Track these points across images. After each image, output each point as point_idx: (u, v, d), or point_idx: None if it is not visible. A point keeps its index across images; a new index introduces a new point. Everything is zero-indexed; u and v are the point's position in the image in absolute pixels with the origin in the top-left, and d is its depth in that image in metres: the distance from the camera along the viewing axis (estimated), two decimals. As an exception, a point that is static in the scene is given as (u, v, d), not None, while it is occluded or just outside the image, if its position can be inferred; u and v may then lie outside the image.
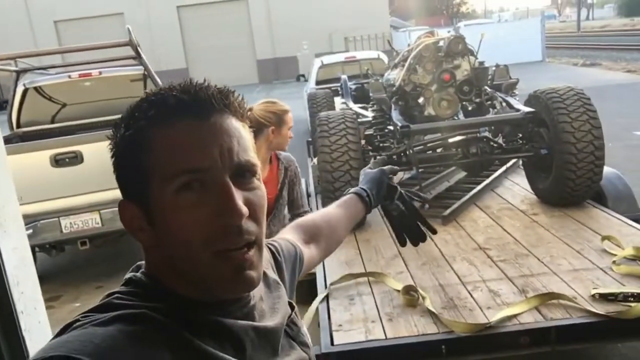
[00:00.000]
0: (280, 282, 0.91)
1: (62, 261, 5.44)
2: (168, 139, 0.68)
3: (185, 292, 0.70)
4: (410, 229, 1.27)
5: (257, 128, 2.48)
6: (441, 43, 4.06)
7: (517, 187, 4.31)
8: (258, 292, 0.80)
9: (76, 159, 4.50)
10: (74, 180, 4.51)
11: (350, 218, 1.23)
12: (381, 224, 3.67)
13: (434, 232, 1.29)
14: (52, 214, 4.49)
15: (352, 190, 1.26)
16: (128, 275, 0.74)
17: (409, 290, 2.58)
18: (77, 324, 0.65)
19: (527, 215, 3.63)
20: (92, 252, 5.26)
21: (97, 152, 4.39)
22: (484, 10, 73.07)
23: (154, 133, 0.68)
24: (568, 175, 3.42)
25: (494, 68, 4.24)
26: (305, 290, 2.73)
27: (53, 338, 0.64)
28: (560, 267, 2.74)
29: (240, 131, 0.72)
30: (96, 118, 5.63)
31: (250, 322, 0.75)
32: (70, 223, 4.54)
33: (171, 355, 0.64)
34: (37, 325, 1.82)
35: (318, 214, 1.23)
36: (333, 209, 1.22)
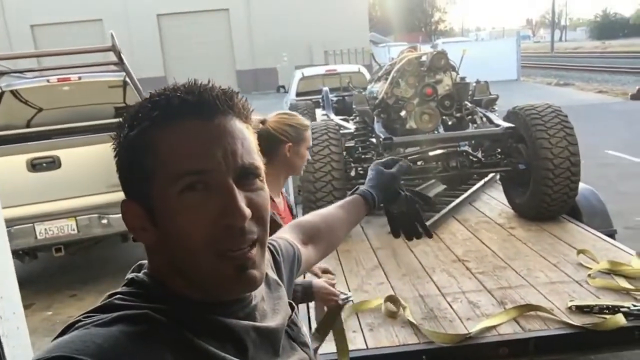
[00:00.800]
0: (281, 283, 0.90)
1: (36, 268, 5.32)
2: (172, 140, 0.68)
3: (188, 293, 0.70)
4: (408, 227, 1.26)
5: (271, 144, 1.95)
6: (424, 58, 4.13)
7: (494, 201, 4.38)
8: (259, 292, 0.80)
9: (54, 164, 4.41)
10: (50, 185, 4.41)
11: (351, 221, 1.20)
12: (361, 235, 3.69)
13: (430, 236, 1.31)
14: (26, 219, 4.39)
15: (360, 191, 1.22)
16: (130, 275, 0.73)
17: (389, 301, 2.59)
18: (79, 324, 0.64)
19: (504, 228, 3.69)
20: (66, 259, 5.14)
21: (76, 158, 4.33)
22: (462, 28, 74.51)
23: (158, 134, 0.68)
24: (545, 190, 3.50)
25: (474, 84, 4.33)
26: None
27: (55, 338, 0.63)
28: (538, 279, 2.79)
29: (244, 133, 0.72)
30: (74, 123, 5.55)
31: (252, 323, 0.75)
32: (45, 229, 4.45)
33: (173, 355, 0.64)
34: (15, 331, 1.78)
35: (318, 214, 1.19)
36: (334, 210, 1.19)
